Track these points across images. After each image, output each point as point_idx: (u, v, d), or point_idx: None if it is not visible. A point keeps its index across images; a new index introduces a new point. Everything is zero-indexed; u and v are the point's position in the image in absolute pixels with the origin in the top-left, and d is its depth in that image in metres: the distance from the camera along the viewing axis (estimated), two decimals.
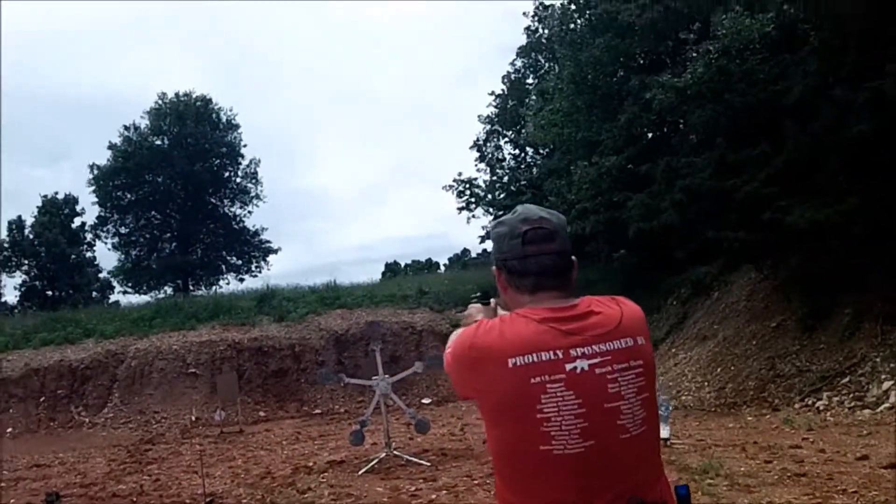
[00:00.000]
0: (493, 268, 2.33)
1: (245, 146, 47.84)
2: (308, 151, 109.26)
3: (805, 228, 14.38)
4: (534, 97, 33.22)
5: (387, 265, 72.23)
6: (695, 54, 18.32)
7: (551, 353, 2.02)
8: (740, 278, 20.04)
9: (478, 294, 2.80)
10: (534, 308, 2.13)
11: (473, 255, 66.32)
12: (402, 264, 72.92)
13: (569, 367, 2.01)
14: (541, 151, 35.72)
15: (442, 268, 66.01)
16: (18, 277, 49.67)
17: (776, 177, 15.19)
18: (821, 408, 13.19)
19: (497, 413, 2.09)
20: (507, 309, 2.32)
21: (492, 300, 2.74)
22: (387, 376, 12.15)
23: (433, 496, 9.10)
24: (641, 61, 24.50)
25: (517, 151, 39.18)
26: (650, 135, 24.36)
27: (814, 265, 15.84)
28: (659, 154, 20.54)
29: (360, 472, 11.07)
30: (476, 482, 9.66)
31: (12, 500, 11.42)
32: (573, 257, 2.24)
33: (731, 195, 15.83)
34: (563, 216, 2.29)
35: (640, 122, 22.81)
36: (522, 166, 38.39)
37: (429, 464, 11.30)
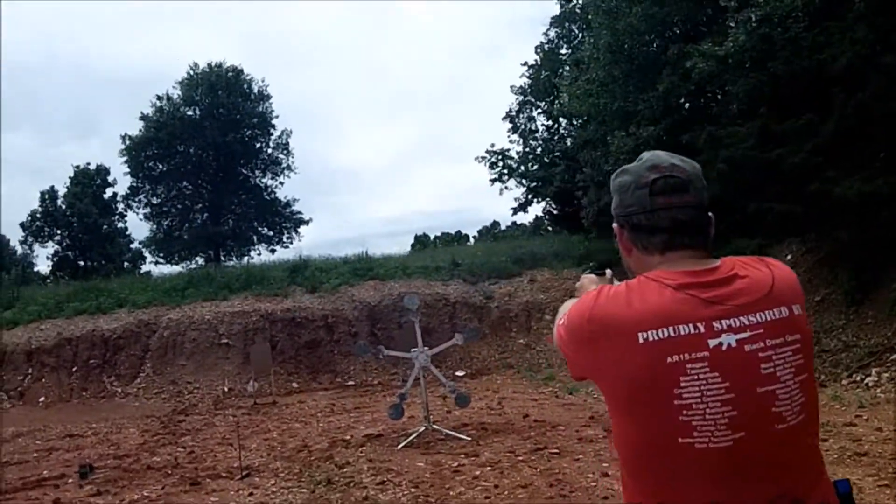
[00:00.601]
0: (614, 224, 2.02)
1: (277, 117, 47.73)
2: (337, 127, 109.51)
3: (854, 200, 13.94)
4: (568, 67, 32.75)
5: (416, 237, 72.47)
6: (733, 24, 17.86)
7: (691, 326, 1.71)
8: (782, 252, 19.54)
9: (591, 264, 2.58)
10: (667, 271, 1.82)
11: (503, 227, 66.27)
12: (432, 236, 73.09)
13: (713, 343, 1.70)
14: (574, 122, 35.13)
15: (472, 240, 65.99)
16: (51, 248, 50.17)
17: (823, 147, 14.74)
18: (870, 384, 12.77)
19: (624, 399, 1.78)
20: (631, 274, 1.99)
21: (607, 271, 2.45)
22: (426, 348, 11.88)
23: (477, 472, 8.83)
24: (679, 30, 23.97)
25: (550, 122, 38.61)
26: (687, 105, 23.86)
27: (861, 238, 15.34)
28: (697, 124, 20.10)
29: (399, 447, 10.83)
30: (520, 458, 9.38)
31: (45, 472, 11.26)
32: (710, 213, 1.90)
33: (776, 166, 15.35)
34: (697, 165, 1.94)
35: (679, 92, 22.31)
36: (556, 137, 37.87)
37: (469, 438, 11.03)
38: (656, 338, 1.69)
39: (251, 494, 8.70)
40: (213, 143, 43.97)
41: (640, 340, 1.70)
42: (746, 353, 1.71)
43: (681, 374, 1.68)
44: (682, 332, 1.69)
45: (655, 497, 1.76)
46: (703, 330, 1.70)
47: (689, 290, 1.75)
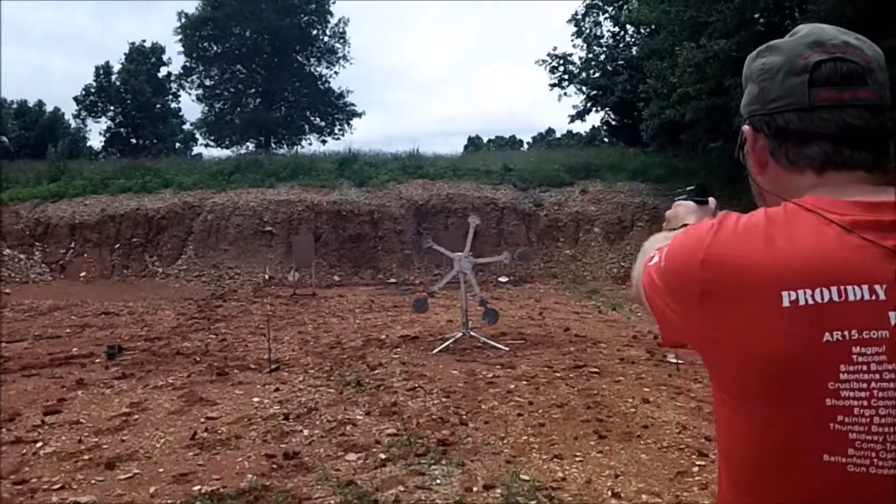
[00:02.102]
0: (745, 127, 1.38)
1: (334, 3, 46.63)
2: (397, 22, 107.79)
3: None
4: None
5: (469, 139, 71.76)
6: None
7: (865, 288, 1.11)
8: None
9: (689, 187, 1.83)
10: (830, 199, 1.21)
11: (558, 135, 65.22)
12: (485, 139, 72.24)
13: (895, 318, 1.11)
14: (642, 30, 33.83)
15: (525, 146, 65.13)
16: (104, 123, 50.19)
17: None
18: None
19: (747, 386, 1.19)
20: (759, 200, 1.40)
21: (710, 199, 1.78)
22: (471, 254, 11.42)
23: (511, 386, 8.45)
24: None
25: (617, 29, 37.19)
26: (763, 20, 22.72)
27: None
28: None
29: (434, 351, 10.50)
30: (558, 374, 8.99)
31: (75, 349, 11.13)
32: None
33: None
34: (878, 48, 1.31)
35: (756, 5, 21.23)
36: (621, 45, 36.50)
37: (506, 348, 10.65)
38: (810, 301, 1.12)
39: (277, 390, 8.41)
40: (269, 27, 43.11)
41: (785, 303, 1.12)
42: None
43: (842, 360, 1.11)
44: (852, 298, 1.11)
45: None
46: (882, 297, 1.11)
47: (866, 231, 1.14)
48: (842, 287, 1.11)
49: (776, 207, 1.24)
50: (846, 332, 1.11)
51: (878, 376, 1.10)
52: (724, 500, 1.33)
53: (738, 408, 1.22)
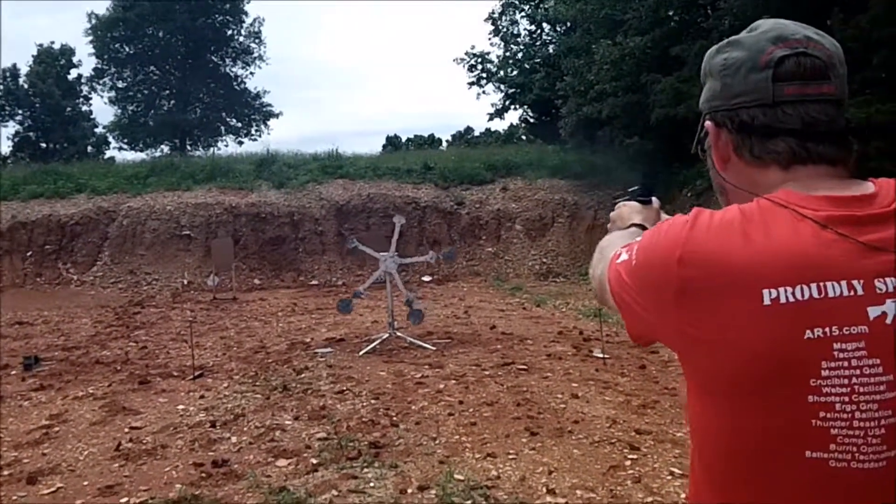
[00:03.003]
0: (707, 123, 1.37)
1: (249, 3, 46.21)
2: (313, 20, 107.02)
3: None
4: None
5: (388, 138, 71.35)
6: None
7: (844, 284, 1.12)
8: None
9: (634, 188, 1.83)
10: (802, 195, 1.20)
11: (477, 133, 65.40)
12: (404, 138, 72.01)
13: (874, 312, 1.12)
14: (558, 28, 34.29)
15: (444, 144, 65.13)
16: (12, 128, 48.81)
17: None
18: None
19: (728, 383, 1.17)
20: (721, 198, 1.40)
21: (653, 199, 1.79)
22: (396, 254, 11.35)
23: (441, 385, 8.42)
24: None
25: (533, 27, 37.61)
26: (677, 18, 23.14)
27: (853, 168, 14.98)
28: (687, 38, 19.50)
29: (360, 353, 10.41)
30: (487, 373, 8.98)
31: None
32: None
33: None
34: (836, 42, 1.31)
35: (670, 3, 21.63)
36: (538, 43, 36.94)
37: (434, 348, 10.62)
38: (791, 299, 1.11)
39: (202, 397, 8.24)
40: (183, 27, 42.56)
41: (767, 301, 1.11)
42: None
43: (824, 357, 1.11)
44: (831, 294, 1.11)
45: None
46: (861, 291, 1.12)
47: (841, 226, 1.14)
48: (821, 283, 1.11)
49: (749, 203, 1.22)
50: (827, 329, 1.11)
51: (858, 372, 1.10)
52: (697, 497, 1.32)
53: (718, 404, 1.21)
